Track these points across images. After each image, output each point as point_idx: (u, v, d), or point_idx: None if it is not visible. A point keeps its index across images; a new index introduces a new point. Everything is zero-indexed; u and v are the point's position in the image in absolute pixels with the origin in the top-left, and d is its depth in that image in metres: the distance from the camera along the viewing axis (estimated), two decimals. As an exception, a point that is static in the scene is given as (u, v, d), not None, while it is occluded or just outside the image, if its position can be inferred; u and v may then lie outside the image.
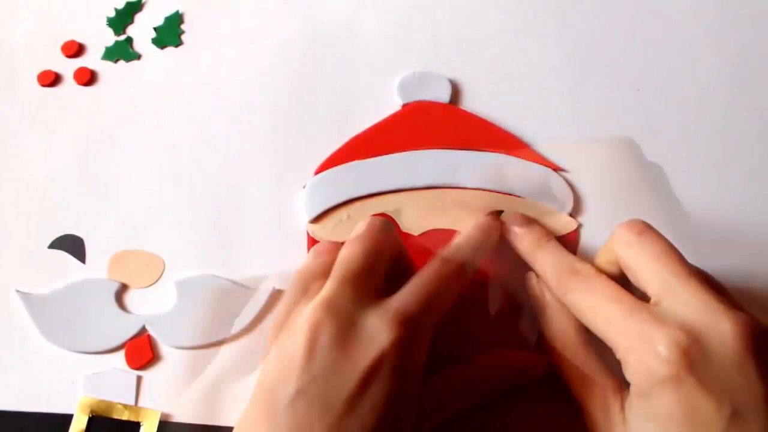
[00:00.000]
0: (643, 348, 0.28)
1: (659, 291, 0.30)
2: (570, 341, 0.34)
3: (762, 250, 0.40)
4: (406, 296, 0.31)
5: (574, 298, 0.33)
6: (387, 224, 0.35)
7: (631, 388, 0.30)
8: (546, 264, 0.35)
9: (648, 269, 0.31)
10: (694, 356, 0.27)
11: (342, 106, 0.44)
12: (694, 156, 0.42)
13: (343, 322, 0.29)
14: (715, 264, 0.36)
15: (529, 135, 0.43)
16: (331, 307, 0.30)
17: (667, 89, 0.44)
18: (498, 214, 0.38)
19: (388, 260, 0.33)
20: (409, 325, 0.30)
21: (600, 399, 0.32)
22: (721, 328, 0.28)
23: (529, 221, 0.38)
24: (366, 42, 0.46)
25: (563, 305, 0.34)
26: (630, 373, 0.29)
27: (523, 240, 0.37)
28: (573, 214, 0.40)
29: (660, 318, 0.29)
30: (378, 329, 0.29)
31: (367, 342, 0.29)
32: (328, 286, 0.31)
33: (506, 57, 0.46)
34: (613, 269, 0.34)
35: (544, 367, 0.35)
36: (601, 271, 0.33)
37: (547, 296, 0.35)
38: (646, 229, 0.32)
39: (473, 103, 0.44)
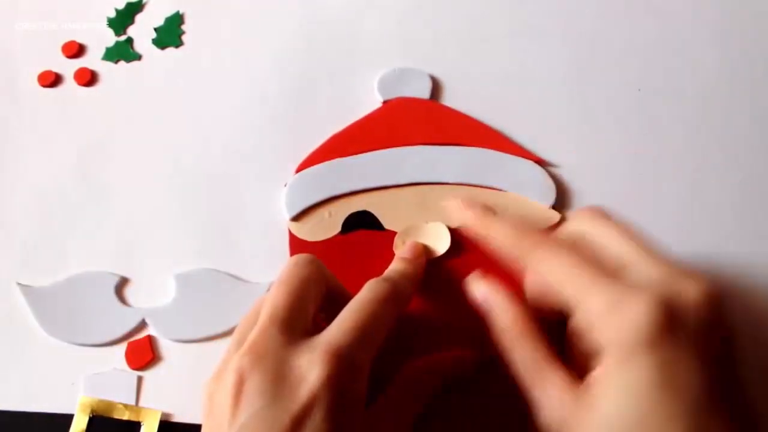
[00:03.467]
0: (617, 313, 0.27)
1: (626, 260, 0.30)
2: (519, 334, 0.31)
3: (761, 249, 0.40)
4: (334, 330, 0.29)
5: (543, 266, 0.31)
6: (311, 260, 0.33)
7: (605, 357, 0.28)
8: (505, 235, 0.33)
9: (614, 241, 0.31)
10: (670, 319, 0.27)
11: (336, 104, 0.44)
12: (694, 155, 0.42)
13: (269, 366, 0.28)
14: (713, 263, 0.37)
15: (521, 132, 0.43)
16: (256, 351, 0.29)
17: (667, 89, 0.44)
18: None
19: (316, 297, 0.32)
20: (339, 360, 0.28)
21: (555, 387, 0.29)
22: (691, 290, 0.28)
23: (470, 204, 0.36)
24: (362, 41, 0.46)
25: (510, 302, 0.32)
26: (604, 339, 0.28)
27: (474, 220, 0.35)
28: (556, 207, 0.40)
29: (631, 283, 0.28)
30: (306, 368, 0.28)
31: (296, 383, 0.28)
32: (254, 331, 0.30)
33: (499, 54, 0.46)
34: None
35: (477, 360, 0.35)
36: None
37: (491, 296, 0.33)
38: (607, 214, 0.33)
39: (459, 100, 0.44)
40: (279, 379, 0.28)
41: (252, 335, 0.29)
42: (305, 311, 0.31)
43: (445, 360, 0.36)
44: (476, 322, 0.33)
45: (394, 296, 0.32)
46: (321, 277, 0.33)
